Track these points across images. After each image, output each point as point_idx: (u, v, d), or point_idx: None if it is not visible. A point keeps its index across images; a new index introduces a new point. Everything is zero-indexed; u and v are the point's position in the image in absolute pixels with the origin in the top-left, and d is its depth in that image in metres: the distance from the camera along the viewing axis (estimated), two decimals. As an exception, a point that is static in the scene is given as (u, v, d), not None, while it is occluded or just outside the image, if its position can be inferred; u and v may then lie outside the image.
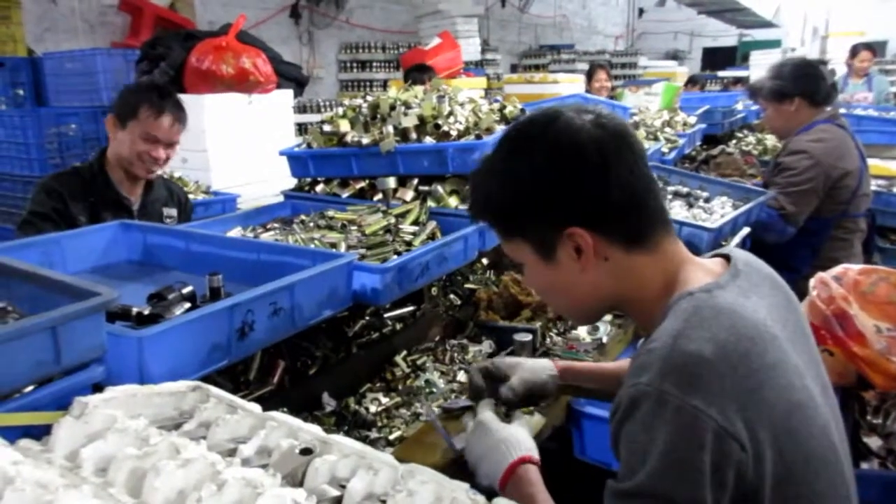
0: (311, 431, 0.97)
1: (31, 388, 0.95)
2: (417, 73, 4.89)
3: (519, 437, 1.20)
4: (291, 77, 4.35)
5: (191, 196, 3.38)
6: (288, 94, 4.28)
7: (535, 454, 1.21)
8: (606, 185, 1.00)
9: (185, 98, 3.90)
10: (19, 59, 5.09)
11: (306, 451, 0.91)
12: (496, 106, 2.21)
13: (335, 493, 0.85)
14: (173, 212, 2.49)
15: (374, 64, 9.11)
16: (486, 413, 1.27)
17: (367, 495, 0.87)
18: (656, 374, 0.88)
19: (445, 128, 2.04)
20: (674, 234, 1.09)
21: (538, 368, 1.41)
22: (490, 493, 1.24)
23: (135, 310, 1.37)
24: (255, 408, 1.03)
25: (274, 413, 1.02)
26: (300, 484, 0.89)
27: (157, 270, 1.79)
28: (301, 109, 6.81)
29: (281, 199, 2.35)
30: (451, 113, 2.10)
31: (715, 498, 0.85)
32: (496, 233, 1.14)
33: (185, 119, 2.39)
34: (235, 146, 3.86)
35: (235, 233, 1.96)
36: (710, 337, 0.90)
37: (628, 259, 1.04)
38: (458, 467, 1.28)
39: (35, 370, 0.93)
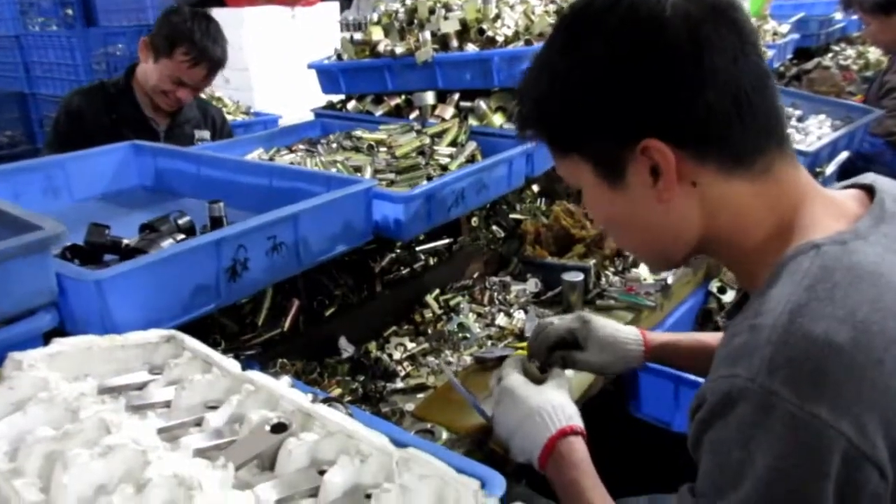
0: (294, 400, 0.79)
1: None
2: None
3: (556, 403, 0.99)
4: (338, -12, 4.06)
5: (230, 117, 3.22)
6: (334, 6, 4.01)
7: (578, 421, 1.00)
8: (698, 80, 0.72)
9: (223, 13, 3.72)
10: (67, -24, 4.95)
11: (279, 428, 0.73)
12: (553, 7, 1.90)
13: (307, 485, 0.67)
14: (206, 134, 2.32)
15: (434, -23, 8.60)
16: (513, 376, 1.05)
17: (351, 489, 0.68)
18: (763, 365, 0.63)
19: (491, 33, 1.76)
20: (792, 155, 0.80)
21: (620, 350, 1.17)
22: (529, 473, 1.05)
23: (125, 242, 1.23)
24: (234, 366, 0.86)
25: (253, 373, 0.84)
26: (271, 468, 0.72)
27: (169, 197, 1.63)
28: (357, 27, 6.49)
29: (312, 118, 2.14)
30: (497, 16, 1.81)
31: None
32: (549, 149, 0.88)
33: (221, 66, 2.20)
34: (279, 64, 3.64)
35: (256, 155, 1.78)
36: (845, 315, 0.63)
37: (725, 186, 0.76)
38: (490, 433, 1.10)
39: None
